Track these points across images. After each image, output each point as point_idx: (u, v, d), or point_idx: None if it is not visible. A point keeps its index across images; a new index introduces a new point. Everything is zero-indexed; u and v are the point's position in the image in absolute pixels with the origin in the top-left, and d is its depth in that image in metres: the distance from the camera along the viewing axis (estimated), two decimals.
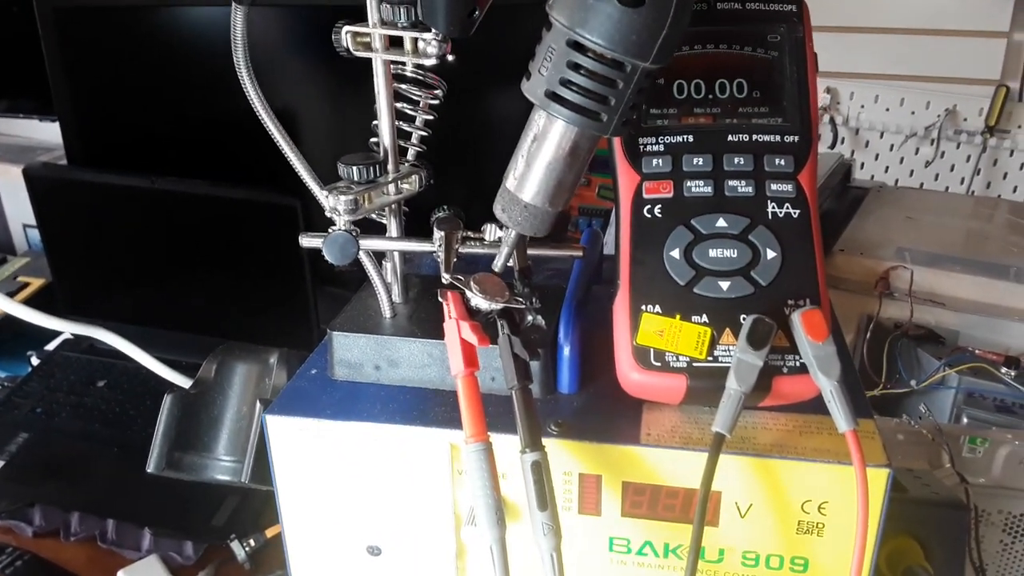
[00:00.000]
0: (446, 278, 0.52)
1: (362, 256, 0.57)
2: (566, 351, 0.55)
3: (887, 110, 2.05)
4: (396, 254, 0.61)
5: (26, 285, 1.29)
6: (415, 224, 0.61)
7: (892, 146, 2.09)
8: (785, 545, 0.51)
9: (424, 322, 0.59)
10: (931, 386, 1.10)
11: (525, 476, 0.47)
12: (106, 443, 0.98)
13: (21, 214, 1.46)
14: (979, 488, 0.88)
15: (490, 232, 0.56)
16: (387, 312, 0.60)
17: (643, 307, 0.52)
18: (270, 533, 0.80)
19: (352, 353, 0.58)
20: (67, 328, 0.74)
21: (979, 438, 0.94)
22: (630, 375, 0.52)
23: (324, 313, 1.03)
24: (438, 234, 0.55)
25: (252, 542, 0.79)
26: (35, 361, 1.14)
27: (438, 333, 0.54)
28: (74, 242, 1.14)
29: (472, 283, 0.50)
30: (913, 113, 2.04)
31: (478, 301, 0.50)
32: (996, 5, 1.94)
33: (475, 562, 0.56)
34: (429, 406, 0.55)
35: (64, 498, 0.88)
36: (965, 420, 1.06)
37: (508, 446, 0.50)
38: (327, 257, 0.54)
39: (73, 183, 1.11)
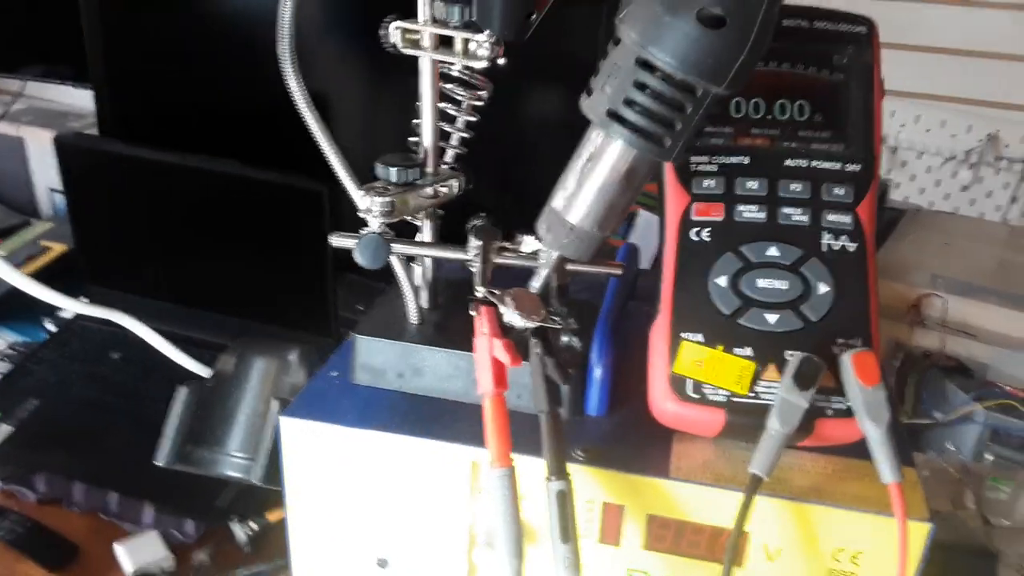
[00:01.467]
0: (480, 291, 0.50)
1: (392, 260, 0.55)
2: (598, 373, 0.53)
3: (928, 131, 2.01)
4: (427, 259, 0.59)
5: (47, 250, 1.28)
6: (447, 228, 0.59)
7: (929, 168, 2.05)
8: None
9: (452, 331, 0.57)
10: (956, 420, 1.08)
11: (549, 504, 0.45)
12: (116, 415, 0.97)
13: (48, 178, 1.45)
14: (1000, 530, 0.85)
15: (527, 244, 0.54)
16: (414, 318, 0.58)
17: (683, 335, 0.50)
18: (273, 518, 0.78)
19: (375, 358, 0.56)
20: (82, 309, 0.72)
21: (1003, 479, 0.92)
22: (664, 405, 0.50)
23: (344, 300, 1.01)
24: (474, 243, 0.53)
25: (254, 526, 0.78)
26: (50, 327, 1.13)
27: (466, 344, 0.52)
28: (99, 212, 1.12)
29: (508, 299, 0.48)
30: (954, 136, 2.00)
31: (513, 318, 0.47)
32: None
33: None
34: (452, 419, 0.53)
35: (69, 467, 0.87)
36: (989, 457, 1.03)
37: (531, 468, 0.48)
38: (358, 260, 0.52)
39: (103, 154, 1.10)
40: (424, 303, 0.60)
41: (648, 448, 0.51)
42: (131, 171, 1.07)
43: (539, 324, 0.48)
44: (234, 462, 0.61)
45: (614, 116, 0.43)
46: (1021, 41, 1.89)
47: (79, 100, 1.49)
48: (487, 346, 0.47)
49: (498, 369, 0.47)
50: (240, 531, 0.78)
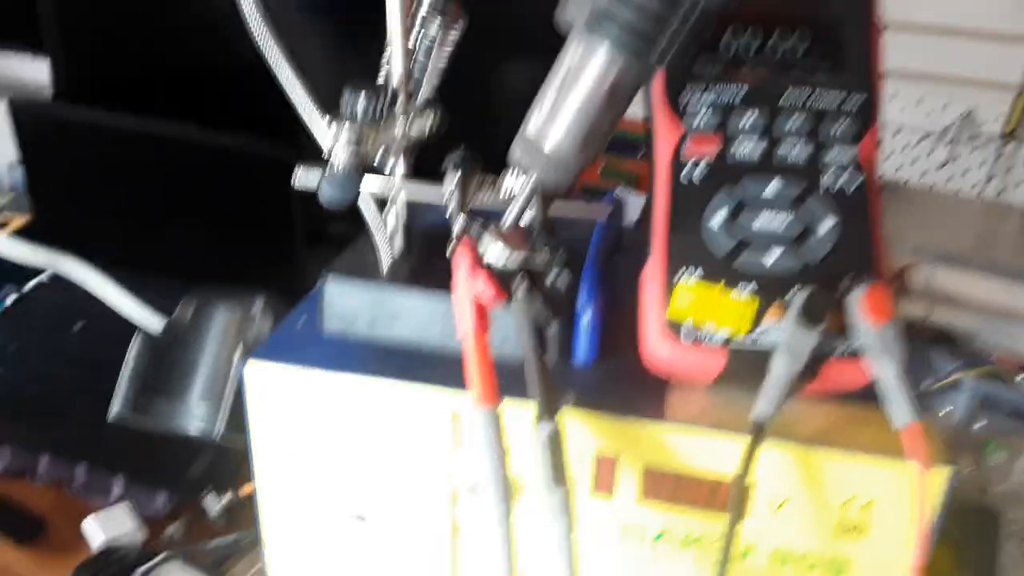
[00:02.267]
0: (459, 223, 0.46)
1: (362, 205, 0.52)
2: (587, 317, 0.50)
3: (903, 109, 2.00)
4: (400, 202, 0.55)
5: (5, 224, 1.23)
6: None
7: (906, 146, 2.04)
8: (821, 546, 0.46)
9: (429, 276, 0.53)
10: (944, 388, 1.06)
11: (538, 449, 0.42)
12: (80, 387, 0.92)
13: (7, 152, 1.39)
14: (999, 494, 0.83)
15: (508, 183, 0.51)
16: (387, 263, 0.54)
17: (679, 275, 0.47)
18: (246, 492, 0.74)
19: (346, 303, 0.52)
20: (28, 256, 0.67)
21: (998, 444, 0.90)
22: (659, 350, 0.47)
23: (314, 273, 0.97)
24: (452, 175, 0.49)
25: (228, 497, 0.74)
26: (10, 300, 1.08)
27: (445, 287, 0.49)
28: (57, 179, 1.07)
29: (490, 231, 0.44)
30: (929, 114, 1.99)
31: (495, 252, 0.44)
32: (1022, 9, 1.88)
33: (471, 539, 0.51)
34: (431, 368, 0.49)
35: (33, 440, 0.82)
36: (980, 424, 1.02)
37: (517, 418, 0.44)
38: (323, 198, 0.48)
39: (59, 119, 1.05)
40: (398, 250, 0.56)
41: (642, 396, 0.48)
42: (89, 137, 1.02)
43: (524, 260, 0.44)
44: (194, 415, 0.57)
45: (600, 17, 0.40)
46: (998, 19, 1.88)
47: (37, 73, 1.43)
48: (467, 283, 0.43)
49: (480, 309, 0.43)
50: (213, 503, 0.73)
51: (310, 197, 0.49)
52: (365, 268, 0.54)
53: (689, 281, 0.46)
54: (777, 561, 0.47)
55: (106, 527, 0.71)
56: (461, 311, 0.44)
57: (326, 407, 0.49)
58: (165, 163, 1.00)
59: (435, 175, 0.52)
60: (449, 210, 0.48)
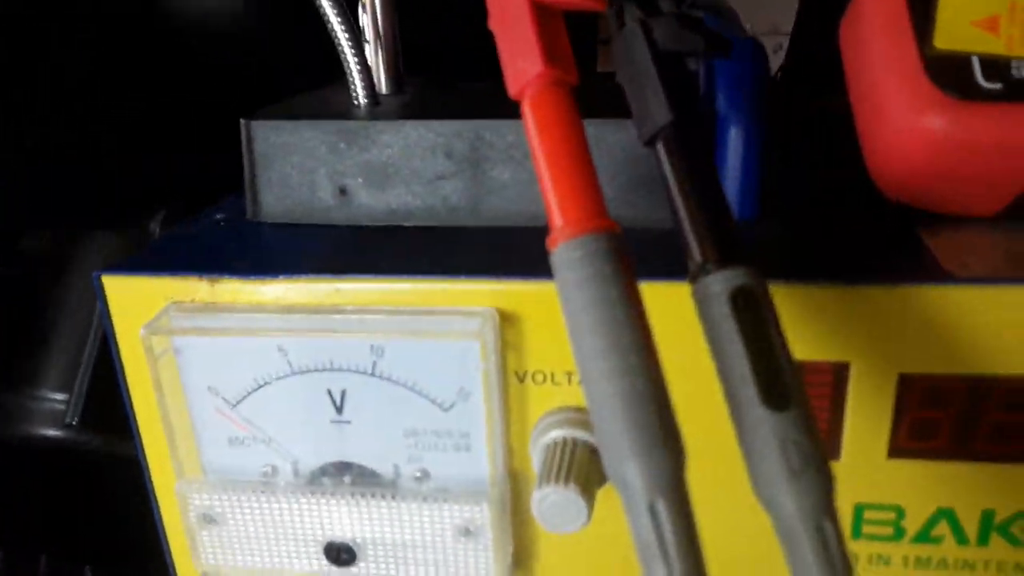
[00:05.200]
0: None
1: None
2: (742, 134, 0.26)
3: None
4: (377, 4, 0.32)
5: None
6: None
7: None
8: None
9: (434, 105, 0.30)
10: None
11: (715, 327, 0.17)
12: None
13: None
14: None
15: None
16: (362, 95, 0.31)
17: None
18: None
19: (295, 162, 0.28)
20: None
21: None
22: (924, 118, 0.22)
23: None
24: None
25: None
26: None
27: (463, 113, 0.27)
28: None
29: None
30: None
31: None
32: None
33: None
34: (449, 253, 0.26)
35: None
36: None
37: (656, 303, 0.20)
38: None
39: None
40: (382, 84, 0.33)
41: (872, 249, 0.24)
42: None
43: None
44: (50, 409, 0.32)
45: None
46: None
47: None
48: None
49: (551, 30, 0.20)
50: None
51: None
52: (329, 103, 0.31)
53: None
54: None
55: None
56: (515, 39, 0.20)
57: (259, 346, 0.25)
58: None
59: None
60: None
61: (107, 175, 0.36)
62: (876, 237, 0.25)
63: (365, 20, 0.33)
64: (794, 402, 0.16)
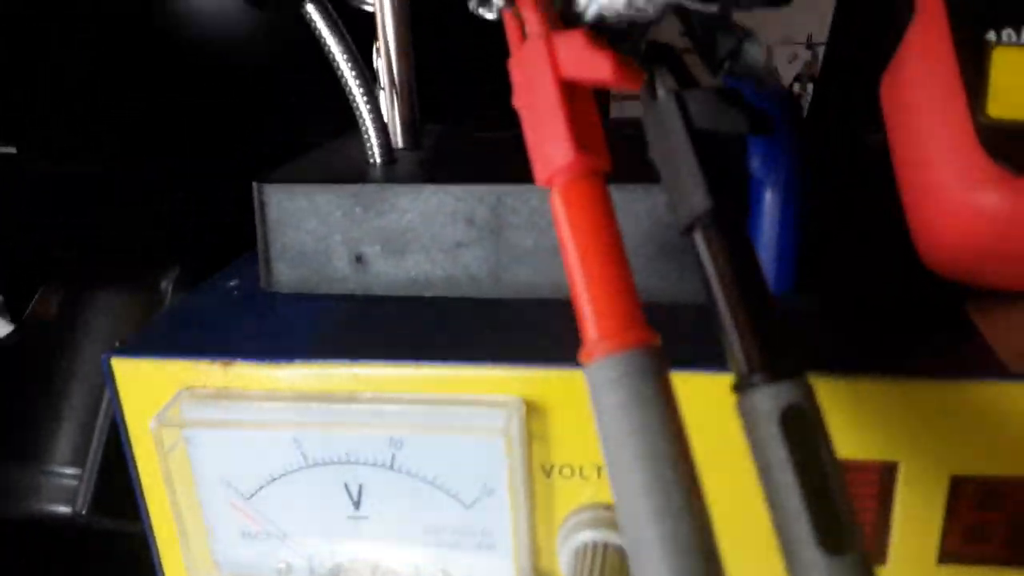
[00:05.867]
0: None
1: (324, 30, 0.27)
2: (779, 201, 0.25)
3: None
4: (393, 57, 0.31)
5: None
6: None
7: None
8: None
9: (454, 166, 0.29)
10: None
11: (761, 442, 0.16)
12: None
13: None
14: None
15: None
16: (378, 154, 0.29)
17: (989, 35, 0.21)
18: None
19: (309, 228, 0.27)
20: None
21: None
22: (977, 194, 0.21)
23: None
24: None
25: None
26: None
27: (485, 177, 0.26)
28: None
29: None
30: None
31: None
32: None
33: None
34: (471, 331, 0.24)
35: None
36: None
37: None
38: None
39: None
40: (397, 138, 0.32)
41: (924, 337, 0.23)
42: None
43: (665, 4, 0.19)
44: (60, 485, 0.31)
45: None
46: None
47: None
48: (546, 57, 0.18)
49: (581, 111, 0.18)
50: None
51: None
52: (343, 163, 0.30)
53: (1018, 40, 0.21)
54: None
55: None
56: (542, 124, 0.19)
57: (277, 431, 0.23)
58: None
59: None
60: None
61: (120, 224, 0.35)
62: (922, 316, 0.24)
63: (380, 65, 0.32)
64: (852, 545, 0.15)
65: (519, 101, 0.19)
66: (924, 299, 0.25)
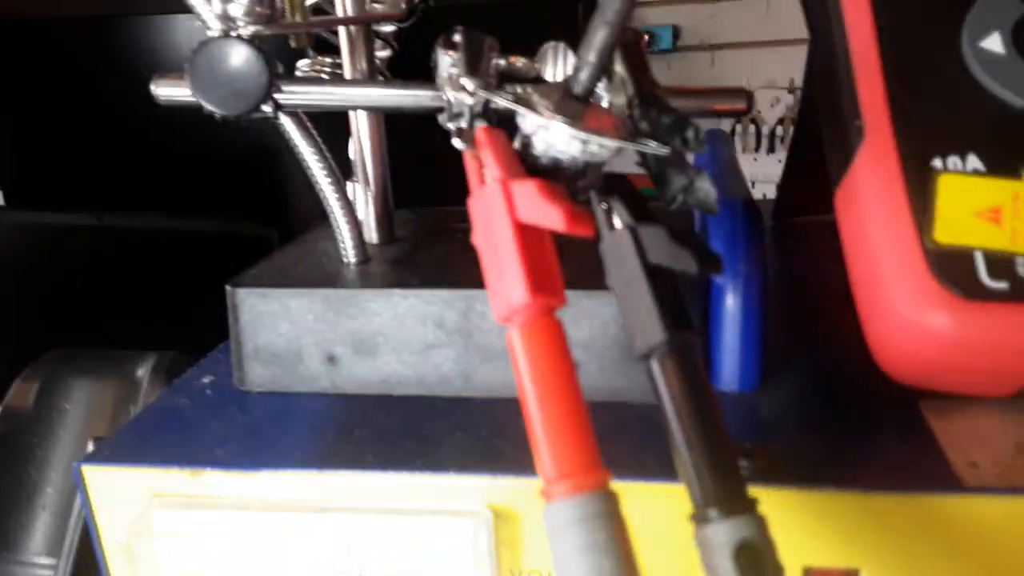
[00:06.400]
0: (470, 88, 0.22)
1: (297, 138, 0.28)
2: (739, 307, 0.25)
3: None
4: (367, 154, 0.31)
5: None
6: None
7: None
8: None
9: (425, 268, 0.30)
10: None
11: (714, 571, 0.17)
12: None
13: None
14: None
15: (551, 63, 0.27)
16: (352, 255, 0.30)
17: (937, 162, 0.22)
18: None
19: (281, 331, 0.28)
20: None
21: None
22: (926, 316, 0.22)
23: None
24: (447, 59, 0.25)
25: None
26: None
27: (454, 281, 0.26)
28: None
29: (541, 99, 0.20)
30: None
31: (559, 136, 0.19)
32: None
33: None
34: (440, 435, 0.25)
35: None
36: None
37: (639, 501, 0.20)
38: (201, 98, 0.24)
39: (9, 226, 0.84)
40: (372, 233, 0.32)
41: (884, 445, 0.23)
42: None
43: (622, 145, 0.20)
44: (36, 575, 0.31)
45: None
46: None
47: None
48: (502, 199, 0.19)
49: (538, 251, 0.19)
50: None
51: None
52: (316, 263, 0.31)
53: (963, 170, 0.22)
54: None
55: None
56: (501, 266, 0.19)
57: (244, 536, 0.24)
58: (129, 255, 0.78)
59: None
60: (448, 87, 0.24)
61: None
62: (879, 420, 0.25)
63: (355, 161, 0.32)
64: None
65: (478, 239, 0.20)
66: (879, 397, 0.25)
